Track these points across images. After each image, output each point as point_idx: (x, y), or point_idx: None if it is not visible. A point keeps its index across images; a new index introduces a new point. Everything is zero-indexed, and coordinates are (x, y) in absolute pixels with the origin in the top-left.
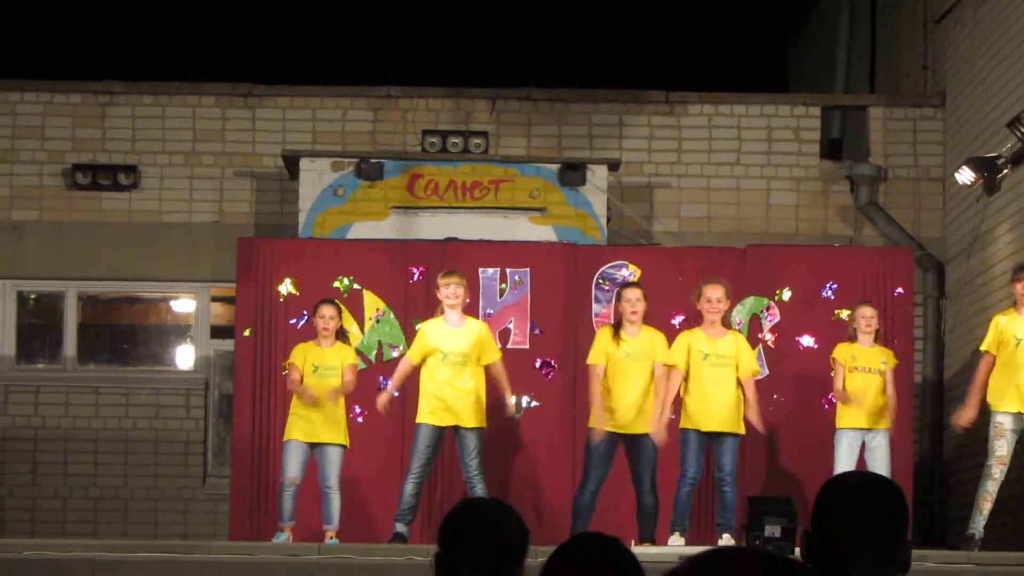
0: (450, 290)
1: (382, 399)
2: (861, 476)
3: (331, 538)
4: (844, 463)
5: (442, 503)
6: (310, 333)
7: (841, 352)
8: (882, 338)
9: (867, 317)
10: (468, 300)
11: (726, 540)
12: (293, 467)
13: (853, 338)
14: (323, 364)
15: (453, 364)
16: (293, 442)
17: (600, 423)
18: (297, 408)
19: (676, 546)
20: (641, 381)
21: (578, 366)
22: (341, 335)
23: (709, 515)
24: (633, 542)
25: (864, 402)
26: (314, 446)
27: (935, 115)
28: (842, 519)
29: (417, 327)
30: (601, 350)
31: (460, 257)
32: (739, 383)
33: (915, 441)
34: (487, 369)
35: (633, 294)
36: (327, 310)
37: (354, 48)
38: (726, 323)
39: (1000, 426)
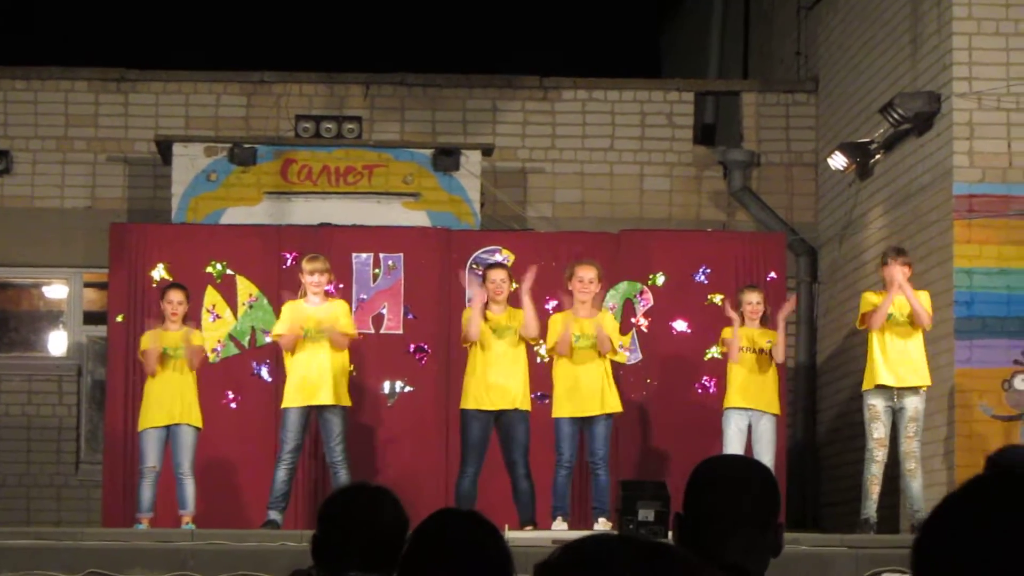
0: (314, 279)
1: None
2: (732, 460)
3: (187, 523)
4: (733, 444)
5: (316, 488)
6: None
7: (727, 332)
8: (770, 322)
9: (752, 303)
10: (337, 286)
11: (602, 524)
12: (151, 455)
13: (740, 323)
14: (174, 346)
15: (314, 341)
16: (148, 431)
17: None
18: (148, 395)
19: (559, 530)
20: (507, 357)
21: (451, 351)
22: (187, 320)
23: (585, 500)
24: (507, 527)
25: (751, 380)
26: (168, 429)
27: (808, 100)
28: (713, 503)
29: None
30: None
31: (333, 242)
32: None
33: (788, 425)
34: None
35: (498, 275)
36: (175, 295)
37: (227, 33)
38: (597, 306)
39: (873, 408)
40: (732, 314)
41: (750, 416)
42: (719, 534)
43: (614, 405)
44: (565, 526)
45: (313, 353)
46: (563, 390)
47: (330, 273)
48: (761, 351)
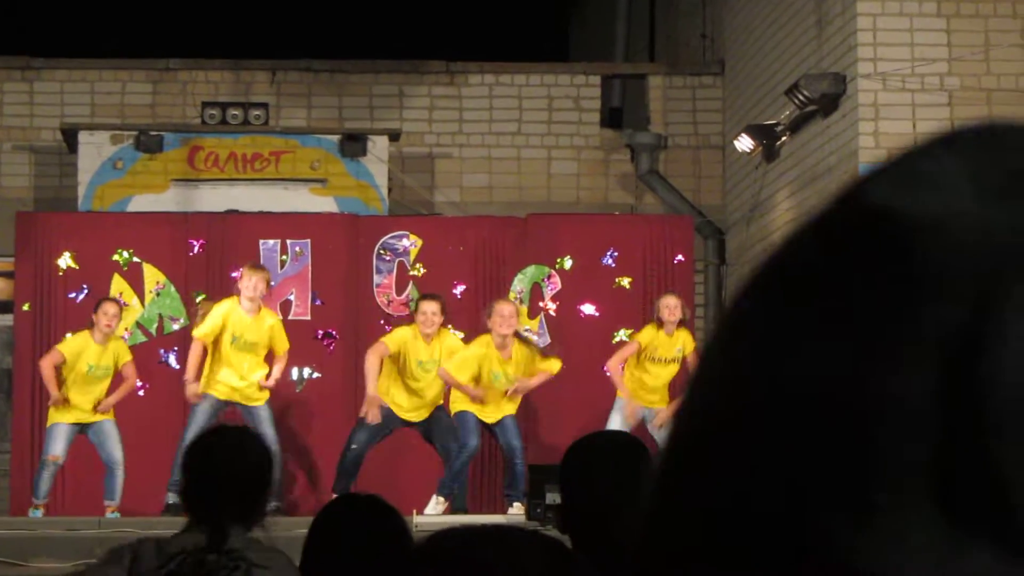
0: (251, 282)
1: (191, 391)
2: (599, 440)
3: (112, 512)
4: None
5: None
6: (89, 308)
7: (645, 335)
8: (687, 323)
9: (670, 307)
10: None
11: (517, 508)
12: (58, 447)
13: (660, 325)
14: (98, 364)
15: (244, 351)
16: (59, 425)
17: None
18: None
19: (435, 512)
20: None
21: (359, 337)
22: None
23: (495, 485)
24: (415, 511)
25: (655, 387)
26: (82, 426)
27: (714, 83)
28: (586, 488)
29: (207, 305)
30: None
31: (240, 229)
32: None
33: None
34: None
35: (429, 307)
36: (111, 307)
37: (132, 20)
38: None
39: None
40: None
41: (645, 411)
42: (602, 514)
43: (512, 406)
44: (441, 508)
45: (242, 361)
46: (459, 396)
47: (268, 284)
48: (668, 360)
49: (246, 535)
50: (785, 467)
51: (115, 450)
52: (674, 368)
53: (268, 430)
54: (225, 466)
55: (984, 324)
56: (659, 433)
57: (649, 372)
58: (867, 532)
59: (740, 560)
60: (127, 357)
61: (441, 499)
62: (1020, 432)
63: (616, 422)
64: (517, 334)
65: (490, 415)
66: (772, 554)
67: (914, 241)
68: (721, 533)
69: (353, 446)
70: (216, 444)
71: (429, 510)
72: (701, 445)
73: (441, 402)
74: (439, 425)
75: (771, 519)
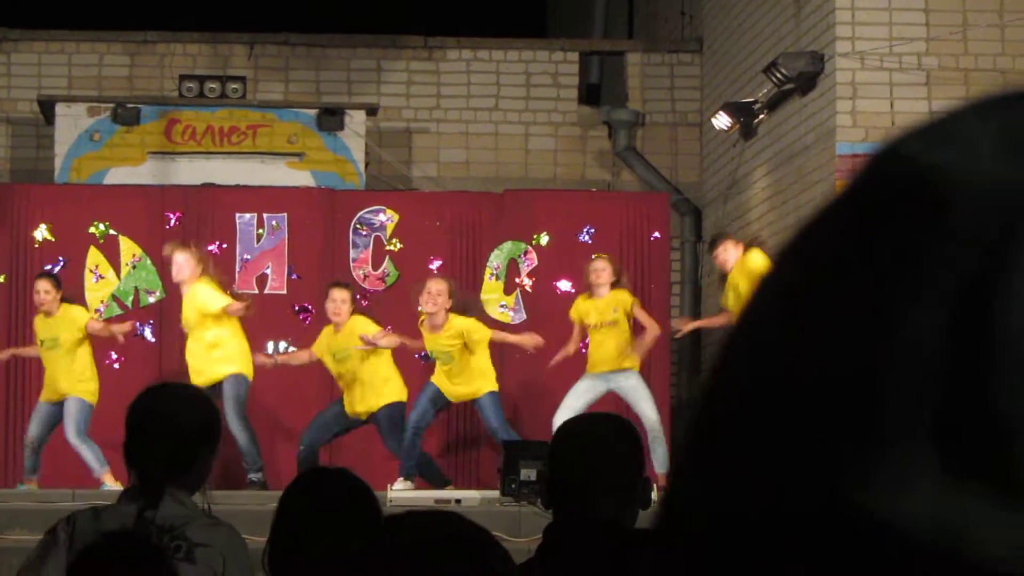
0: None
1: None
2: (595, 419)
3: (104, 483)
4: (572, 401)
5: None
6: (66, 280)
7: (573, 310)
8: (629, 283)
9: (596, 270)
10: (221, 246)
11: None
12: (32, 426)
13: (589, 293)
14: (48, 336)
15: (191, 328)
16: (39, 403)
17: None
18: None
19: (402, 489)
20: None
21: None
22: (65, 299)
23: (470, 462)
24: (389, 486)
25: (605, 354)
26: (58, 404)
27: (692, 61)
28: (580, 464)
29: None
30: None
31: (217, 202)
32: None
33: (672, 384)
34: None
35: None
36: (41, 284)
37: None
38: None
39: None
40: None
41: (607, 378)
42: (589, 493)
43: (490, 386)
44: (409, 485)
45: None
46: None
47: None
48: (612, 323)
49: (185, 502)
50: (799, 418)
51: (68, 428)
52: (614, 331)
53: (228, 407)
54: (163, 420)
55: (993, 270)
56: (628, 397)
57: (592, 340)
58: (873, 477)
59: (756, 509)
60: (84, 318)
61: (402, 479)
62: (1022, 375)
63: (578, 395)
64: (451, 310)
65: (458, 392)
66: (787, 502)
67: (933, 191)
68: (738, 484)
69: (301, 447)
70: (157, 398)
71: (397, 487)
72: (722, 398)
73: (385, 402)
74: (379, 426)
75: (784, 468)
